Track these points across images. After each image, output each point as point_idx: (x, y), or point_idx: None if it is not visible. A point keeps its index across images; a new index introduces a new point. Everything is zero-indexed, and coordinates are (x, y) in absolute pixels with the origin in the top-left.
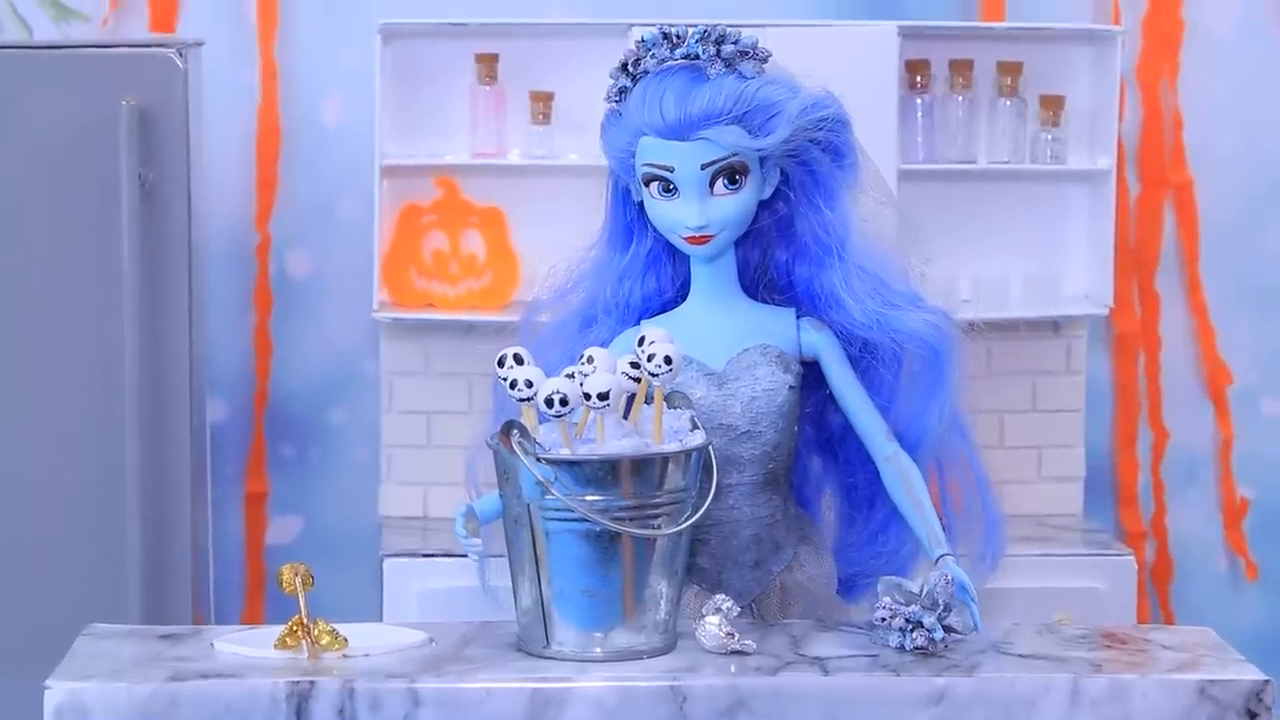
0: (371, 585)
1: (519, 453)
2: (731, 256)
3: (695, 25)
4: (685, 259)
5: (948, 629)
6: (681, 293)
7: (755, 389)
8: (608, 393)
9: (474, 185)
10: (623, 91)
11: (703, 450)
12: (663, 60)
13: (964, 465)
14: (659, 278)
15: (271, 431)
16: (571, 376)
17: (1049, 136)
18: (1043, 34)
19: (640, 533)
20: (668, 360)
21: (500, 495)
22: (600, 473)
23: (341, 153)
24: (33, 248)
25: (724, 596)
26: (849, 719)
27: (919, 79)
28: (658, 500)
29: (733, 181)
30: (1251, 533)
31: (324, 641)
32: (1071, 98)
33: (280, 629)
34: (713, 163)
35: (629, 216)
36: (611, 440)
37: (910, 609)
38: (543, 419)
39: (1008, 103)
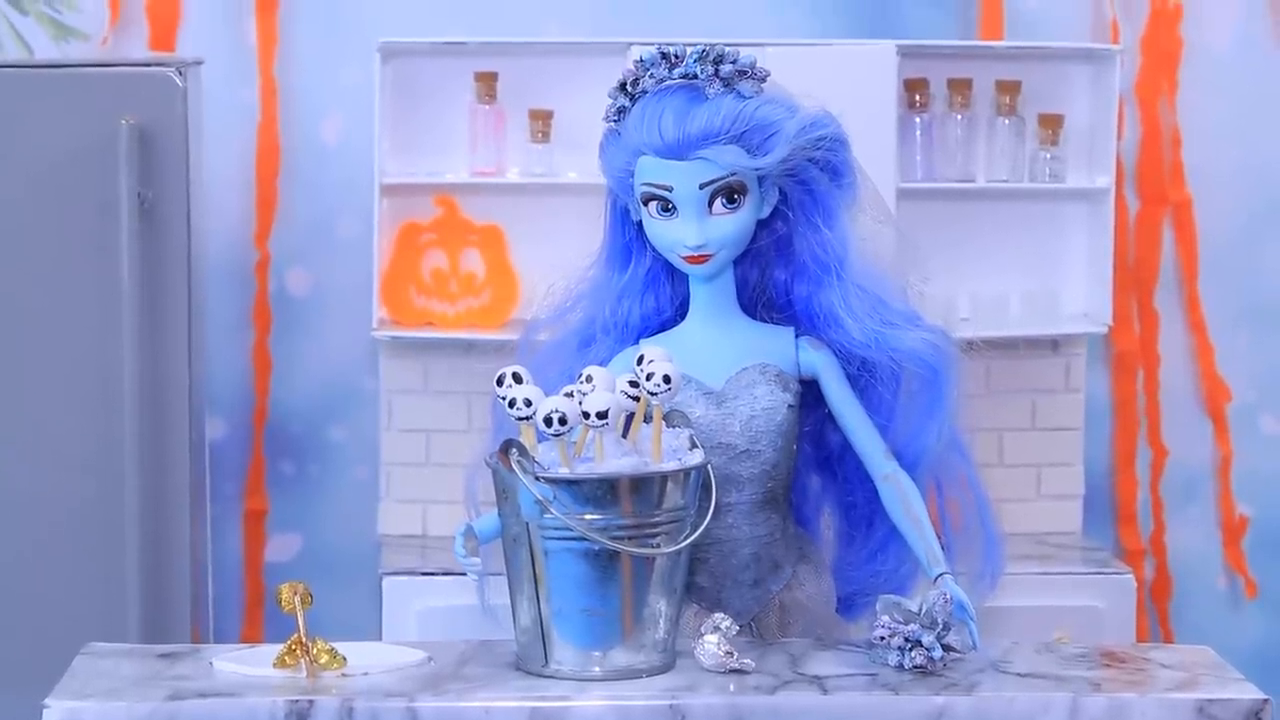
0: (370, 603)
1: (518, 471)
2: (730, 276)
3: (694, 45)
4: (684, 278)
5: (946, 648)
6: (680, 312)
7: (754, 408)
8: (606, 411)
9: (473, 204)
10: (621, 111)
11: (701, 469)
12: (661, 80)
13: (963, 484)
14: (658, 297)
15: (271, 449)
16: (570, 395)
17: (1048, 155)
18: (1041, 53)
19: (639, 551)
20: (666, 379)
21: (499, 514)
22: (599, 492)
23: (341, 171)
24: (32, 266)
25: (723, 615)
26: None
27: (918, 98)
28: (656, 519)
29: (731, 201)
30: (1251, 551)
31: (323, 660)
32: (1070, 116)
33: (279, 648)
34: (711, 182)
35: (628, 236)
36: (610, 459)
37: (909, 628)
38: (541, 438)
39: (1006, 121)
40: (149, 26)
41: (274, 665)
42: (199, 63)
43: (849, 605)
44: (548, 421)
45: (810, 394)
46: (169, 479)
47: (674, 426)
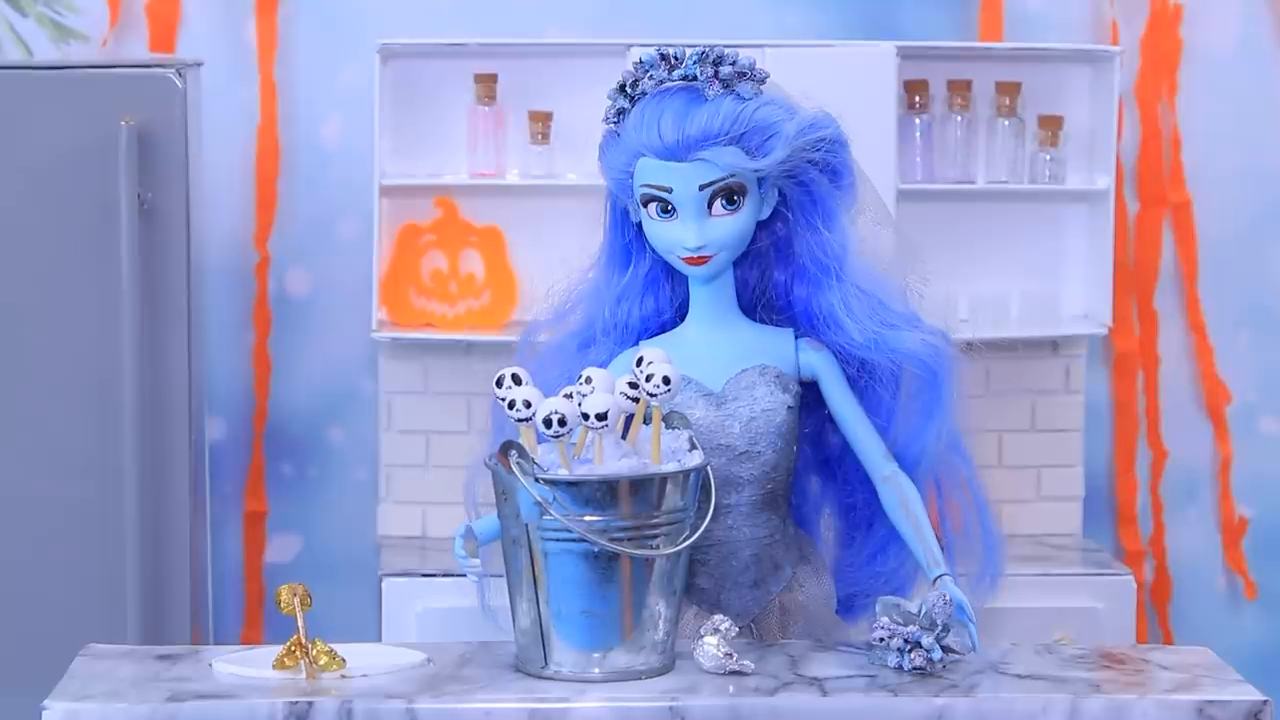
0: (370, 605)
1: (517, 473)
2: (730, 277)
3: (693, 46)
4: (684, 280)
5: (946, 649)
6: (680, 313)
7: (754, 409)
8: (606, 413)
9: (473, 205)
10: (621, 113)
11: (701, 470)
12: (660, 81)
13: (963, 485)
14: (657, 298)
15: (270, 450)
16: (570, 397)
17: (1047, 156)
18: (1041, 54)
19: (638, 553)
20: (666, 381)
21: (499, 515)
22: (598, 493)
23: (340, 172)
24: (32, 267)
25: (722, 616)
26: None
27: (917, 99)
28: (656, 520)
29: (731, 202)
30: (1250, 552)
31: (322, 662)
32: (1070, 117)
33: (279, 649)
34: (711, 183)
35: (627, 237)
36: (610, 460)
37: (908, 629)
38: (541, 439)
39: (1006, 123)
40: (149, 27)
41: (273, 667)
42: (199, 64)
43: (849, 606)
44: (547, 423)
45: (810, 395)
46: (169, 479)
47: (673, 428)
